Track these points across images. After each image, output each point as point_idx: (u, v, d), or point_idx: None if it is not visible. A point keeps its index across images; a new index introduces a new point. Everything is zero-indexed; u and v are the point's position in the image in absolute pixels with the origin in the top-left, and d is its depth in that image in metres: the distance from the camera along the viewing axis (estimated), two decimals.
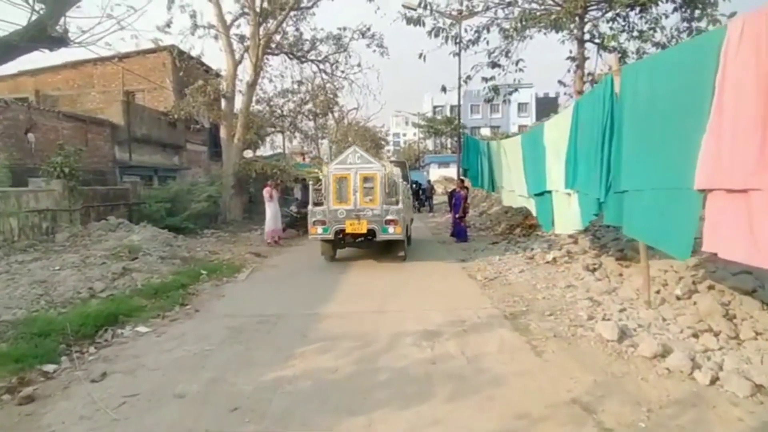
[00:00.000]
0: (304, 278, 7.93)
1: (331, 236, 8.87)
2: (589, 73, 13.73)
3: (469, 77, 14.48)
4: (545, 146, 7.04)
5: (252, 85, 16.78)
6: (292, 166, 26.58)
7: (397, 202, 8.94)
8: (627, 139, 4.32)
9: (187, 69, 17.90)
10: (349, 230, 8.74)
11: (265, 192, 12.48)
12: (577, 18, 12.98)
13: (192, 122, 18.31)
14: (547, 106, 62.72)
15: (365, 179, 8.81)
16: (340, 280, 7.63)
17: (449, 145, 62.34)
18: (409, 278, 7.64)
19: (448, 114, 65.52)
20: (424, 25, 13.71)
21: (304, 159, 45.34)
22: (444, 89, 14.45)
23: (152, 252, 8.62)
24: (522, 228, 13.58)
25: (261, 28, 16.46)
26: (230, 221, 16.64)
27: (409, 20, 14.02)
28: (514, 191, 10.72)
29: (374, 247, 9.62)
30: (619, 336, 4.14)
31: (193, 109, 16.59)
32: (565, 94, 14.64)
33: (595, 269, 7.42)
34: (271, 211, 12.33)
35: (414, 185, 23.58)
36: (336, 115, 36.74)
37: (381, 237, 8.75)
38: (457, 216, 12.50)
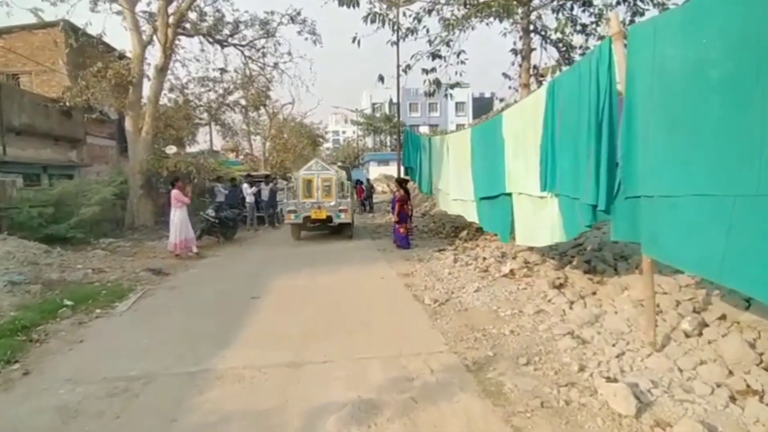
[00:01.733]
0: (206, 305, 6.18)
1: (300, 221, 12.01)
2: (534, 66, 12.90)
3: (408, 66, 13.13)
4: (504, 139, 5.80)
5: (162, 70, 14.49)
6: (215, 163, 24.22)
7: (345, 197, 12.60)
8: (647, 125, 3.06)
9: (84, 49, 15.22)
10: (313, 216, 11.92)
11: (174, 194, 10.39)
12: (521, 6, 12.06)
13: (93, 111, 15.67)
14: (483, 106, 63.69)
15: (324, 180, 12.24)
16: (252, 309, 5.96)
17: (389, 143, 61.48)
18: (341, 302, 6.12)
19: (387, 111, 64.70)
20: (358, 5, 12.19)
21: (237, 156, 42.56)
22: (381, 79, 13.01)
23: (0, 275, 6.47)
24: (468, 232, 12.51)
25: (172, 5, 14.23)
26: (138, 227, 14.28)
27: (342, 0, 12.43)
28: (449, 194, 9.51)
29: (328, 230, 13.02)
30: (638, 408, 2.87)
31: (92, 96, 14.03)
32: (510, 87, 13.72)
33: (561, 285, 6.30)
34: (179, 216, 10.27)
35: (356, 184, 22.20)
36: (269, 110, 34.61)
37: (336, 221, 12.06)
38: (395, 221, 11.07)
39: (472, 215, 7.98)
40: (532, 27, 12.88)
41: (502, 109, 18.93)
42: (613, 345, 4.02)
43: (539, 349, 4.17)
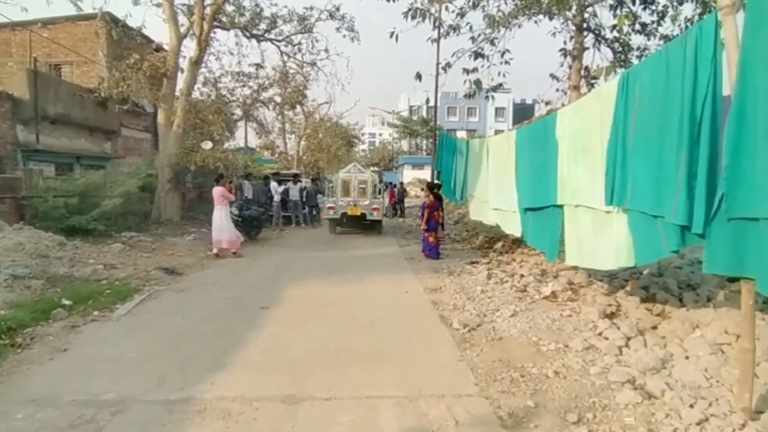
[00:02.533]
0: (211, 314, 5.62)
1: (338, 216, 13.64)
2: (585, 67, 11.89)
3: (448, 64, 12.37)
4: (558, 142, 4.99)
5: (196, 63, 14.26)
6: (247, 159, 24.06)
7: (377, 197, 14.15)
8: None
9: (123, 41, 15.23)
10: (350, 213, 13.50)
11: (216, 192, 9.84)
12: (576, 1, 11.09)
13: (129, 103, 15.67)
14: (524, 112, 61.91)
15: (360, 182, 13.97)
16: (259, 322, 5.36)
17: (424, 147, 60.63)
18: (357, 319, 5.44)
19: (424, 114, 63.88)
20: None
21: (273, 154, 42.80)
22: (419, 77, 12.27)
23: (3, 268, 6.14)
24: (504, 243, 11.61)
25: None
26: (164, 222, 14.07)
27: None
28: (487, 203, 8.67)
29: (360, 227, 14.35)
30: None
31: (128, 87, 13.95)
32: (558, 90, 12.73)
33: (613, 314, 5.42)
34: (222, 215, 9.79)
35: (387, 186, 21.67)
36: (305, 109, 34.49)
37: (369, 218, 13.63)
38: (423, 228, 10.26)
39: (513, 227, 7.15)
40: (585, 25, 11.87)
41: (547, 113, 17.80)
42: (691, 406, 3.16)
43: (592, 402, 3.36)
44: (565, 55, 12.65)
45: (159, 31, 16.48)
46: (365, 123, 74.66)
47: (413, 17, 11.88)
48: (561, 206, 5.22)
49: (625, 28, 11.59)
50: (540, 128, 5.70)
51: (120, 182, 11.08)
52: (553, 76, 12.69)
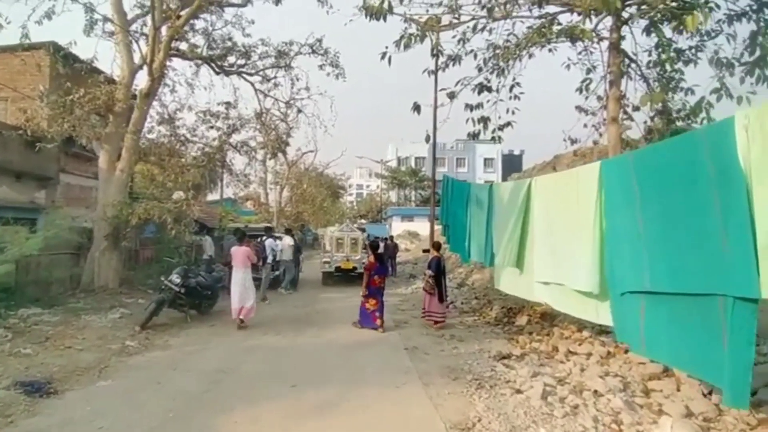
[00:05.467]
0: None
1: (332, 270, 15.18)
2: (623, 95, 9.67)
3: (453, 94, 10.09)
4: (744, 173, 2.40)
5: (147, 95, 11.84)
6: (221, 211, 21.41)
7: (366, 253, 11.98)
8: None
9: (72, 75, 12.84)
10: (343, 267, 15.11)
11: (240, 253, 8.89)
12: (612, 17, 9.04)
13: (75, 146, 13.13)
14: (512, 164, 60.95)
15: (351, 239, 15.66)
16: None
17: (413, 198, 58.78)
18: None
19: (413, 165, 62.48)
20: (389, 13, 9.33)
21: (254, 206, 40.22)
22: (417, 109, 9.94)
23: None
24: (530, 318, 8.87)
25: (165, 24, 11.81)
26: (96, 290, 11.09)
27: (369, 12, 9.60)
28: (530, 273, 6.01)
29: (349, 279, 15.16)
30: None
31: (67, 126, 11.39)
32: (586, 126, 10.43)
33: None
34: (247, 278, 8.81)
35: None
36: (288, 157, 32.29)
37: (358, 270, 14.14)
38: (363, 295, 8.79)
39: (590, 313, 4.49)
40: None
41: (574, 153, 15.45)
42: None
43: None
44: (585, 89, 10.56)
45: (114, 65, 14.04)
46: (352, 174, 73.29)
47: (406, 46, 9.72)
48: (741, 299, 2.60)
49: (664, 55, 9.49)
50: (686, 149, 3.12)
51: (17, 242, 8.21)
52: (580, 108, 10.45)
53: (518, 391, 4.94)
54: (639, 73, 10.02)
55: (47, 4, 11.62)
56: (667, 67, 9.56)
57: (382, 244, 19.23)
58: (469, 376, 5.57)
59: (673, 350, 3.36)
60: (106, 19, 12.85)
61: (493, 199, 7.18)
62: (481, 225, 7.60)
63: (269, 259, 12.57)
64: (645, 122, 10.18)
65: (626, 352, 6.13)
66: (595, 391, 4.74)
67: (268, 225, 17.87)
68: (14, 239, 8.28)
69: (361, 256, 14.50)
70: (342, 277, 15.43)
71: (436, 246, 9.39)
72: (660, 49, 9.47)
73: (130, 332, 7.76)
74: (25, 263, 8.63)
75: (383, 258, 9.31)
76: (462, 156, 64.89)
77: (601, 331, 6.77)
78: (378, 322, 8.52)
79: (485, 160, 66.10)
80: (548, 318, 8.56)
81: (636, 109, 9.74)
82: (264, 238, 13.21)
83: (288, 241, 13.74)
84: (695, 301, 3.10)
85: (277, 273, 13.41)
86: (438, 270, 8.81)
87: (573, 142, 10.64)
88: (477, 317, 9.81)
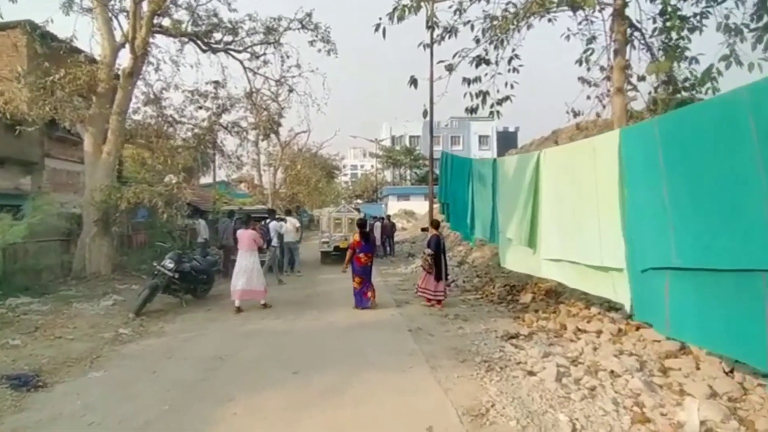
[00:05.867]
0: None
1: (331, 249, 15.83)
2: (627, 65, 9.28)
3: (450, 66, 9.68)
4: None
5: (130, 75, 11.34)
6: (215, 194, 21.21)
7: None
8: None
9: (51, 54, 12.24)
10: (341, 246, 15.03)
11: (246, 236, 8.70)
12: None
13: (59, 129, 12.64)
14: (508, 141, 60.47)
15: (349, 219, 16.13)
16: None
17: (409, 177, 58.35)
18: None
19: (407, 144, 61.81)
20: None
21: (249, 188, 39.69)
22: (414, 82, 9.53)
23: None
24: (534, 295, 8.69)
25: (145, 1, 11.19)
26: (87, 276, 10.78)
27: None
28: (537, 249, 5.76)
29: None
30: None
31: (47, 108, 10.88)
32: (589, 97, 10.06)
33: None
34: (253, 261, 8.60)
35: (375, 220, 18.92)
36: (281, 138, 31.70)
37: None
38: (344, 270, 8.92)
39: (606, 290, 4.26)
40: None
41: (576, 126, 15.12)
42: None
43: None
44: (585, 60, 10.19)
45: (94, 42, 13.23)
46: (346, 154, 72.44)
47: (400, 18, 9.26)
48: None
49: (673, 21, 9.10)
50: (724, 110, 2.82)
51: (2, 229, 7.85)
52: (583, 80, 10.06)
53: (531, 373, 4.74)
54: (643, 41, 9.64)
55: None
56: (673, 34, 9.19)
57: (378, 223, 19.08)
58: (478, 357, 5.36)
59: (704, 330, 3.12)
60: None
61: (497, 174, 6.87)
62: (485, 202, 7.31)
63: (274, 242, 12.31)
64: (649, 93, 9.86)
65: (638, 329, 5.96)
66: (612, 372, 4.54)
67: (271, 208, 17.68)
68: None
69: None
70: (340, 256, 15.01)
71: (435, 224, 9.13)
72: (666, 16, 9.10)
73: (124, 320, 7.50)
74: (12, 251, 8.33)
75: (368, 236, 9.01)
76: (457, 134, 64.26)
77: (610, 307, 6.58)
78: (368, 296, 8.52)
79: (480, 137, 65.50)
80: (553, 295, 8.38)
81: (641, 79, 9.39)
82: (267, 220, 12.89)
83: (294, 222, 13.46)
84: (731, 278, 2.84)
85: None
86: (438, 248, 8.59)
87: (576, 114, 10.29)
88: (479, 295, 9.62)
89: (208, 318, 7.91)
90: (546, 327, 6.72)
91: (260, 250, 9.28)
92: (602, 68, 10.08)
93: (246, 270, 8.44)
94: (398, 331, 6.81)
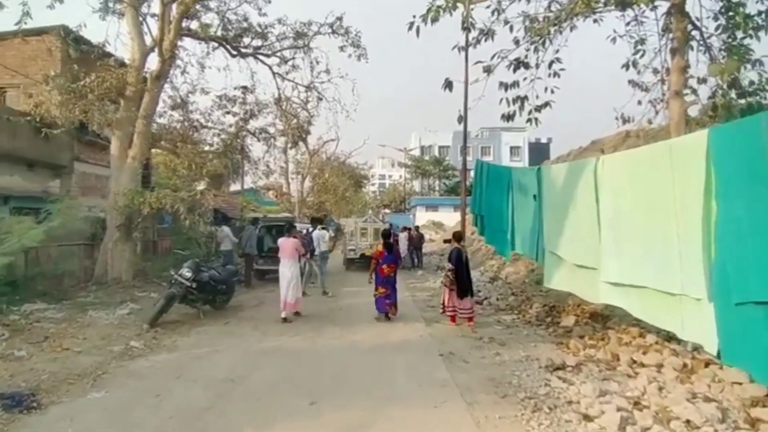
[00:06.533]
0: None
1: (357, 256, 16.81)
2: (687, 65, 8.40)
3: (489, 68, 9.05)
4: None
5: (158, 78, 11.21)
6: (242, 200, 21.13)
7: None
8: None
9: (83, 59, 12.28)
10: (366, 254, 15.44)
11: (289, 244, 8.62)
12: None
13: (88, 133, 12.63)
14: (540, 153, 58.91)
15: (375, 229, 16.87)
16: None
17: (437, 188, 57.58)
18: None
19: (437, 154, 61.10)
20: None
21: (277, 196, 39.77)
22: (449, 85, 8.94)
23: None
24: (578, 319, 7.87)
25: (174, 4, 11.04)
26: (108, 282, 10.56)
27: None
28: (595, 269, 5.01)
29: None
30: None
31: (77, 111, 10.80)
32: (641, 102, 9.22)
33: None
34: (295, 271, 8.56)
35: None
36: (310, 147, 31.58)
37: None
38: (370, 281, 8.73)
39: (673, 325, 3.54)
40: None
41: (626, 134, 14.17)
42: None
43: None
44: (633, 65, 9.43)
45: (124, 48, 13.26)
46: (374, 164, 72.26)
47: (434, 20, 8.72)
48: None
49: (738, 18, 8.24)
50: None
51: (19, 233, 7.60)
52: (633, 83, 9.26)
53: (587, 417, 4.01)
54: (701, 41, 8.78)
55: None
56: (739, 33, 8.33)
57: (404, 234, 18.43)
58: (521, 393, 4.65)
59: None
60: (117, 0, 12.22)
61: (542, 184, 6.17)
62: (527, 214, 6.62)
63: (317, 251, 11.92)
64: (709, 97, 8.98)
65: (707, 365, 5.13)
66: (688, 421, 3.77)
67: (315, 216, 17.76)
68: (15, 230, 7.71)
69: None
70: (365, 263, 15.33)
71: (457, 237, 8.46)
72: (729, 13, 8.26)
73: (137, 331, 7.12)
74: (33, 255, 8.09)
75: (392, 247, 8.76)
76: (487, 144, 63.22)
77: (670, 336, 5.76)
78: (388, 307, 8.34)
79: (511, 148, 64.28)
80: (599, 318, 7.57)
81: (702, 81, 8.54)
82: (311, 229, 12.51)
83: (323, 233, 13.09)
84: None
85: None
86: (459, 263, 7.95)
87: (625, 121, 9.48)
88: (515, 315, 8.86)
89: (225, 332, 7.43)
90: (595, 357, 5.94)
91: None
92: (655, 71, 9.29)
93: (287, 278, 8.37)
94: (428, 355, 6.15)
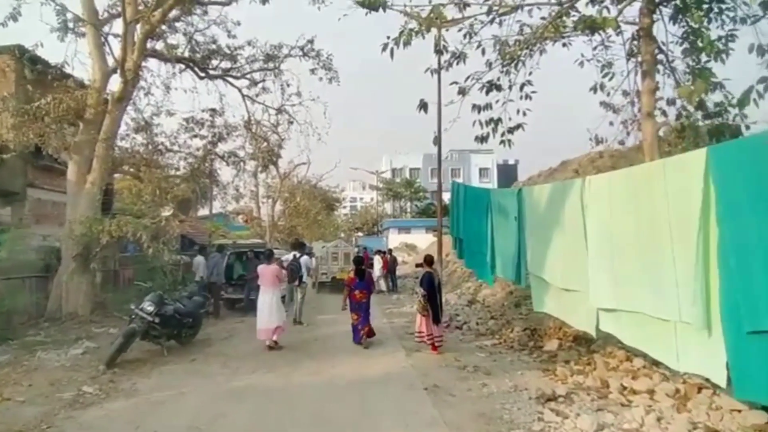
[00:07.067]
0: None
1: (329, 280, 17.66)
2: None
3: (463, 90, 9.00)
4: None
5: (119, 100, 10.64)
6: (211, 226, 20.53)
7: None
8: None
9: (41, 81, 11.64)
10: (338, 276, 16.71)
11: (269, 271, 8.42)
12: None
13: (42, 157, 11.86)
14: (508, 174, 60.04)
15: (345, 254, 18.62)
16: None
17: (409, 209, 57.73)
18: None
19: (408, 176, 61.44)
20: (386, 8, 8.28)
21: (246, 221, 38.79)
22: (424, 107, 8.84)
23: None
24: (561, 342, 7.68)
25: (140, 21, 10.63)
26: (62, 318, 9.76)
27: (364, 4, 8.48)
28: (583, 293, 4.82)
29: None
30: None
31: (32, 133, 10.13)
32: (611, 124, 9.33)
33: None
34: (274, 299, 8.29)
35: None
36: (281, 170, 31.06)
37: None
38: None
39: (668, 357, 3.33)
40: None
41: (599, 155, 14.38)
42: None
43: None
44: (600, 88, 9.56)
45: (85, 68, 12.60)
46: (346, 186, 72.01)
47: (406, 43, 8.62)
48: None
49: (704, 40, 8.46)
50: None
51: None
52: (606, 104, 9.38)
53: None
54: (667, 64, 9.02)
55: (11, 2, 10.29)
56: (704, 56, 8.56)
57: (378, 257, 18.11)
58: (515, 430, 4.35)
59: None
60: (77, 19, 11.72)
61: (523, 206, 6.01)
62: (508, 237, 6.43)
63: (305, 278, 11.48)
64: (677, 118, 9.21)
65: (700, 390, 4.98)
66: None
67: (302, 241, 17.09)
68: None
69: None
70: (336, 286, 16.28)
71: (429, 260, 8.24)
72: (694, 37, 8.50)
73: (92, 373, 6.47)
74: None
75: (364, 273, 8.78)
76: (457, 166, 64.03)
77: (657, 360, 5.61)
78: (361, 333, 8.32)
79: (480, 169, 65.35)
80: (583, 342, 7.39)
81: (671, 103, 8.72)
82: (298, 255, 11.96)
83: (314, 258, 12.70)
84: None
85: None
86: (431, 287, 7.74)
87: (598, 142, 9.56)
88: (497, 340, 8.61)
89: (191, 371, 6.85)
90: (584, 384, 5.73)
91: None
92: (625, 93, 9.45)
93: (267, 306, 8.18)
94: (412, 390, 5.78)
